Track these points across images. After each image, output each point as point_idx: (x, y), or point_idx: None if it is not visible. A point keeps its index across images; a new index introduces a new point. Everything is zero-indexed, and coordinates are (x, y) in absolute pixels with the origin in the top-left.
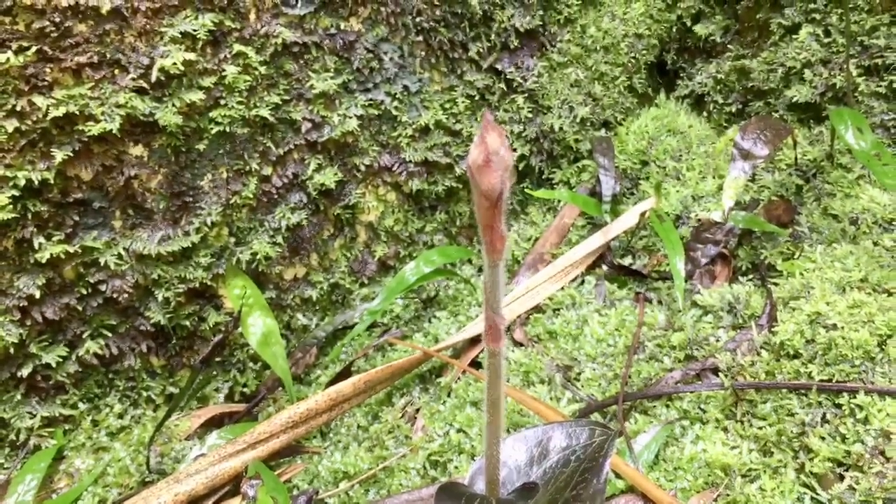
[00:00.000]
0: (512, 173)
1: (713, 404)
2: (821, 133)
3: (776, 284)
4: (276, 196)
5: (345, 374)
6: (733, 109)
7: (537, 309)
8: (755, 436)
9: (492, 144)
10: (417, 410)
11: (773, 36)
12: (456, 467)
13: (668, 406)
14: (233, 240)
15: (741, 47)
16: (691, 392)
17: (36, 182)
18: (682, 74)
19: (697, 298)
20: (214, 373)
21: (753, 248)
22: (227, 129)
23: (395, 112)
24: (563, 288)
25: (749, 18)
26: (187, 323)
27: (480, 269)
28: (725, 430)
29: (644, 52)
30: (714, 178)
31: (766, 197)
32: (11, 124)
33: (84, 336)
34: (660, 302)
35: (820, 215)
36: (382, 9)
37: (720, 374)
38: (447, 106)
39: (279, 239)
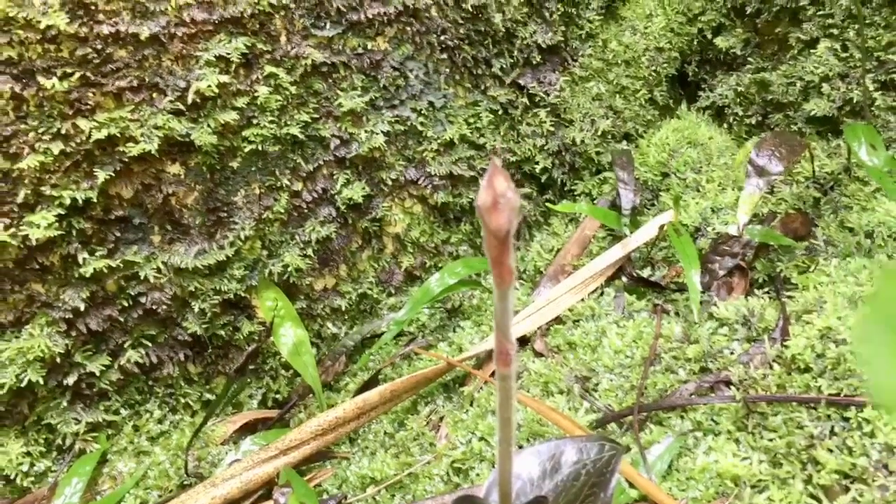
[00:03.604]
0: (518, 213)
1: (726, 416)
2: (838, 146)
3: (791, 298)
4: (306, 210)
5: (372, 382)
6: (753, 121)
7: (558, 320)
8: (765, 447)
9: (499, 187)
10: (441, 419)
11: (792, 50)
12: (478, 474)
13: (682, 417)
14: (265, 253)
15: (761, 60)
16: (705, 404)
17: (80, 201)
18: (703, 86)
19: (714, 311)
20: (248, 380)
21: (771, 260)
22: (260, 147)
23: (420, 127)
24: (583, 299)
25: (768, 32)
26: (222, 333)
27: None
28: (737, 441)
29: (665, 65)
30: (733, 189)
31: (783, 209)
32: (57, 147)
33: (125, 346)
34: (677, 314)
35: (836, 228)
36: (408, 28)
37: (733, 386)
38: (471, 121)
39: (309, 251)
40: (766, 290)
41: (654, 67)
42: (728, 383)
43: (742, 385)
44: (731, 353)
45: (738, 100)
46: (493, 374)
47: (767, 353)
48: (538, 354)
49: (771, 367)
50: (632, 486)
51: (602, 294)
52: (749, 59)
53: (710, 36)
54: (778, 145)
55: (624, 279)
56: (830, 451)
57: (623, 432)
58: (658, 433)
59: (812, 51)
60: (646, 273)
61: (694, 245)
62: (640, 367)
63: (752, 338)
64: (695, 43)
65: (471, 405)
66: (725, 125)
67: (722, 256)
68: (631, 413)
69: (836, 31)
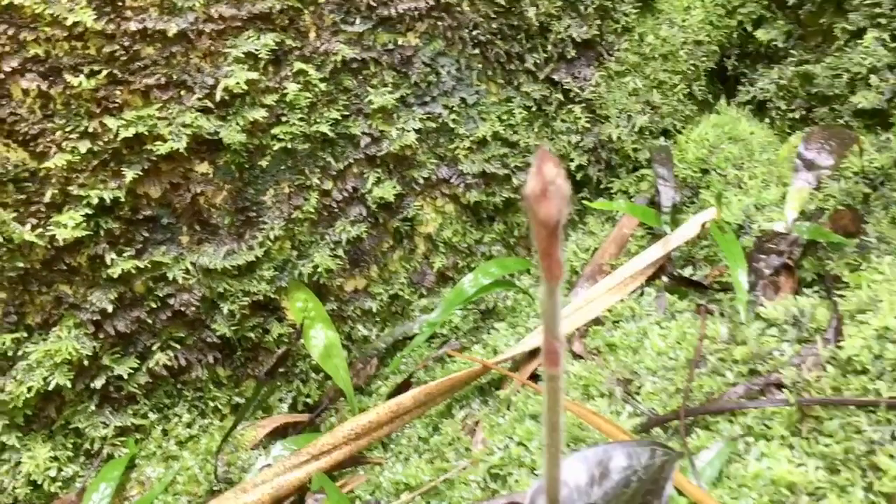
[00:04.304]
0: (568, 202)
1: (778, 420)
2: (888, 140)
3: (842, 297)
4: (336, 210)
5: (405, 386)
6: (797, 115)
7: (596, 321)
8: (822, 453)
9: (548, 175)
10: (477, 423)
11: (838, 41)
12: (516, 480)
13: (731, 421)
14: (295, 253)
15: (804, 52)
16: (755, 408)
17: (108, 200)
18: (743, 80)
19: (761, 311)
20: (278, 384)
21: (819, 258)
22: (289, 146)
23: (452, 125)
24: (622, 300)
25: (812, 23)
26: (252, 335)
27: (539, 279)
28: (791, 446)
29: (704, 58)
30: (777, 186)
31: (832, 206)
32: (84, 145)
33: (154, 348)
34: (722, 314)
35: (888, 224)
36: (439, 23)
37: (785, 389)
38: (504, 117)
39: (340, 252)
40: (815, 289)
41: (692, 61)
42: (779, 386)
43: (795, 388)
44: (782, 355)
45: (781, 93)
46: (530, 377)
47: (821, 354)
48: (577, 356)
49: (825, 369)
50: (681, 493)
51: (642, 294)
52: (791, 51)
53: (750, 28)
54: (827, 138)
55: (665, 279)
56: (892, 456)
57: (669, 437)
58: (706, 438)
59: (858, 41)
60: (687, 272)
61: (739, 243)
62: (685, 370)
63: (804, 339)
64: (734, 36)
65: (508, 409)
66: (767, 120)
67: (768, 255)
68: (676, 417)
69: (884, 21)
